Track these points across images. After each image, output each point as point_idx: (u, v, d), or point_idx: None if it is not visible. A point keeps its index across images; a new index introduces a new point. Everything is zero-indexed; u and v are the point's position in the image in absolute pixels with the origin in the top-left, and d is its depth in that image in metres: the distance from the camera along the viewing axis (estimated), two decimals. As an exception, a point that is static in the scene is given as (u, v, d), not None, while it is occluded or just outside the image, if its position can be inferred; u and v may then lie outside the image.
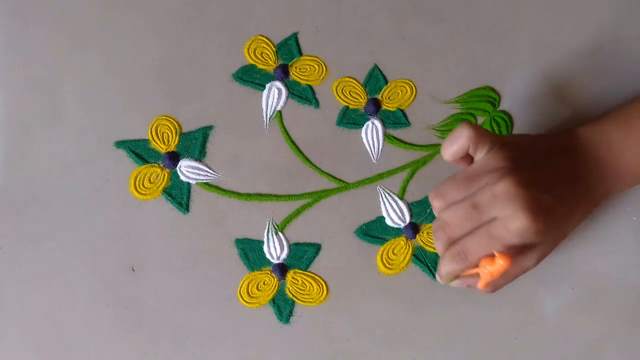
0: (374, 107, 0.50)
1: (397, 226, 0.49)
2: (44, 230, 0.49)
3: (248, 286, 0.48)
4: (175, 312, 0.48)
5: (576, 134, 0.45)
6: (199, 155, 0.50)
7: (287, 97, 0.51)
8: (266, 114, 0.51)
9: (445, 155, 0.43)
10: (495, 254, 0.40)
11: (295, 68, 0.51)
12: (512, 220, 0.39)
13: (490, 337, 0.48)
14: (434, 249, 0.49)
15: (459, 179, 0.42)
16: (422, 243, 0.49)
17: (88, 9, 0.52)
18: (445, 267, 0.43)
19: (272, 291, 0.48)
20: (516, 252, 0.41)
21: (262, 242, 0.49)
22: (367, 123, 0.50)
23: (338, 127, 0.50)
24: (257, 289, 0.48)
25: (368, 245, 0.49)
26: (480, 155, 0.42)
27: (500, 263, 0.40)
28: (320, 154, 0.50)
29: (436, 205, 0.42)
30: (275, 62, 0.51)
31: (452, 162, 0.44)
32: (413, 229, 0.49)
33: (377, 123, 0.50)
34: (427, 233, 0.49)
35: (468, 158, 0.43)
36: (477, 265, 0.41)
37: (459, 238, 0.41)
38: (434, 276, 0.48)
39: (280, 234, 0.49)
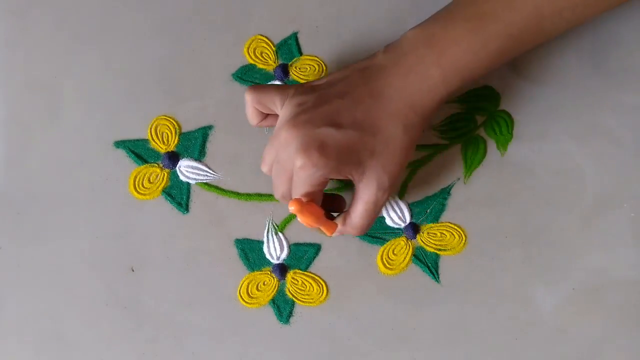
0: (374, 107, 0.50)
1: (397, 226, 0.49)
2: (44, 230, 0.49)
3: (248, 286, 0.48)
4: (175, 312, 0.48)
5: (397, 41, 0.43)
6: (199, 155, 0.50)
7: (287, 97, 0.51)
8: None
9: (251, 123, 0.46)
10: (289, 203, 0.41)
11: (295, 68, 0.51)
12: (295, 164, 0.40)
13: (490, 337, 0.48)
14: (434, 249, 0.49)
15: (269, 141, 0.43)
16: (422, 243, 0.49)
17: (88, 9, 0.52)
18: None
19: (272, 291, 0.48)
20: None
21: (262, 242, 0.49)
22: (367, 123, 0.50)
23: (338, 127, 0.50)
24: (257, 289, 0.48)
25: (368, 245, 0.49)
26: (279, 111, 0.44)
27: (291, 209, 0.41)
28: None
29: (264, 170, 0.44)
30: (275, 62, 0.51)
31: (258, 125, 0.46)
32: (413, 229, 0.49)
33: (377, 123, 0.50)
34: (428, 233, 0.49)
35: (274, 116, 0.46)
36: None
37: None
38: (434, 276, 0.48)
39: (280, 234, 0.49)
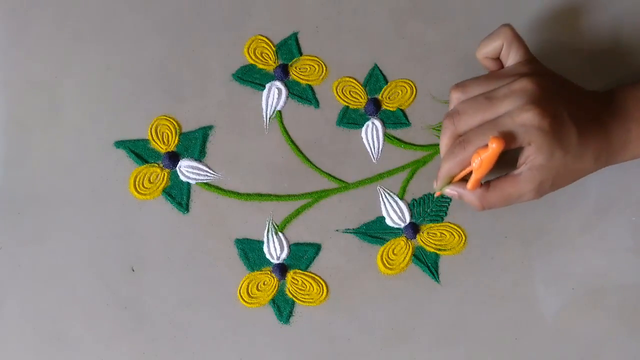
0: (374, 107, 0.50)
1: (397, 226, 0.49)
2: (44, 230, 0.49)
3: (248, 286, 0.48)
4: (175, 312, 0.48)
5: (610, 90, 0.46)
6: (199, 155, 0.50)
7: (287, 97, 0.51)
8: (266, 113, 0.51)
9: (478, 52, 0.45)
10: (490, 137, 0.39)
11: (295, 68, 0.51)
12: (520, 111, 0.40)
13: (490, 337, 0.48)
14: (434, 249, 0.49)
15: (483, 77, 0.43)
16: (422, 243, 0.49)
17: (88, 9, 0.52)
18: (445, 162, 0.43)
19: (272, 291, 0.48)
20: (516, 168, 0.42)
21: (262, 242, 0.49)
22: (367, 123, 0.50)
23: (338, 127, 0.50)
24: (257, 289, 0.48)
25: (368, 245, 0.49)
26: (511, 63, 0.43)
27: (493, 146, 0.39)
28: (320, 154, 0.50)
29: (454, 96, 0.43)
30: (275, 62, 0.51)
31: (483, 61, 0.45)
32: (413, 229, 0.49)
33: (377, 123, 0.50)
34: (427, 233, 0.49)
35: (498, 63, 0.45)
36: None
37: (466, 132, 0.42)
38: (434, 276, 0.48)
39: (280, 234, 0.49)
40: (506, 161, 0.43)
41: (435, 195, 0.45)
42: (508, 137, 0.40)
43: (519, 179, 0.42)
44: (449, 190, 0.44)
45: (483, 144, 0.41)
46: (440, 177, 0.44)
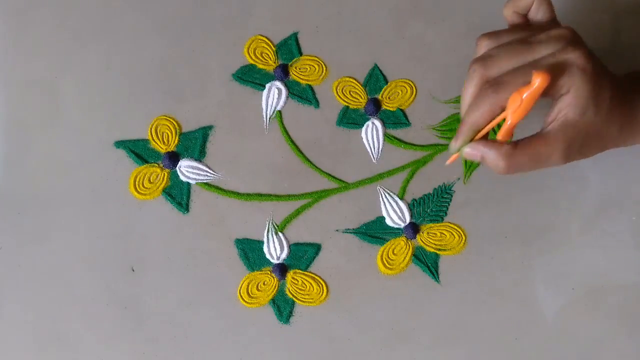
0: (374, 107, 0.50)
1: (397, 226, 0.49)
2: (44, 230, 0.49)
3: (248, 286, 0.48)
4: (175, 312, 0.48)
5: (635, 72, 0.45)
6: (199, 155, 0.50)
7: (287, 97, 0.51)
8: (266, 113, 0.51)
9: (507, 8, 0.42)
10: (533, 73, 0.36)
11: (295, 68, 0.51)
12: (565, 52, 0.38)
13: (490, 337, 0.48)
14: (434, 249, 0.49)
15: (515, 26, 0.41)
16: (422, 243, 0.49)
17: (88, 9, 0.52)
18: (471, 112, 0.39)
19: (272, 291, 0.48)
20: (546, 126, 0.39)
21: (262, 242, 0.49)
22: (367, 123, 0.50)
23: (338, 127, 0.50)
24: (257, 289, 0.48)
25: (368, 245, 0.49)
26: (540, 20, 0.41)
27: (538, 82, 0.36)
28: (320, 154, 0.50)
29: (483, 43, 0.40)
30: (275, 62, 0.51)
31: (509, 17, 0.42)
32: (413, 229, 0.49)
33: (377, 123, 0.50)
34: (428, 233, 0.49)
35: (525, 21, 0.42)
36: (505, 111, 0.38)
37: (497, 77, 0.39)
38: (434, 276, 0.48)
39: (280, 234, 0.49)
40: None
41: (448, 162, 0.41)
42: (553, 74, 0.37)
43: (549, 136, 0.39)
44: (469, 150, 0.40)
45: (522, 85, 0.37)
46: (462, 133, 0.39)
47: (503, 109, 0.38)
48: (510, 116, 0.38)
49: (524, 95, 0.37)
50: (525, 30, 0.40)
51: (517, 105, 0.37)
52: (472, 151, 0.40)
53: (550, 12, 0.42)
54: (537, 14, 0.42)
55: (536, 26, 0.41)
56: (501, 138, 0.39)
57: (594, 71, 0.38)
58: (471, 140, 0.40)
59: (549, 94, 0.39)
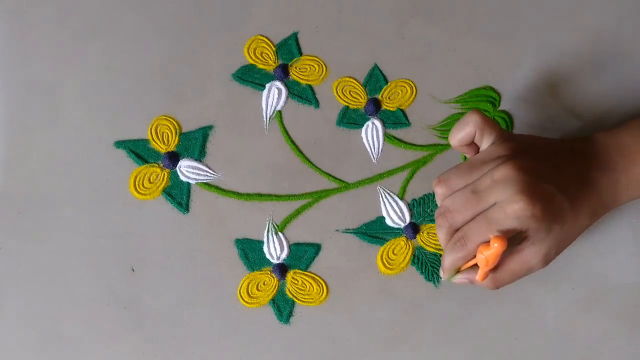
0: (374, 107, 0.50)
1: (397, 226, 0.49)
2: (44, 230, 0.49)
3: (248, 286, 0.48)
4: (175, 312, 0.48)
5: (589, 139, 0.46)
6: (199, 155, 0.50)
7: (287, 97, 0.51)
8: (266, 113, 0.51)
9: (452, 140, 0.45)
10: (491, 237, 0.40)
11: (295, 68, 0.51)
12: (510, 203, 0.39)
13: (490, 337, 0.48)
14: (434, 249, 0.49)
15: (463, 167, 0.43)
16: (422, 243, 0.49)
17: (88, 9, 0.52)
18: (447, 256, 0.43)
19: (272, 291, 0.48)
20: (518, 243, 0.42)
21: (262, 242, 0.49)
22: (367, 123, 0.50)
23: (338, 127, 0.50)
24: (257, 289, 0.48)
25: (368, 245, 0.49)
26: (486, 145, 0.43)
27: (495, 246, 0.39)
28: (320, 154, 0.50)
29: (439, 192, 0.43)
30: (275, 62, 0.51)
31: (458, 148, 0.45)
32: (413, 229, 0.49)
33: (377, 123, 0.50)
34: (427, 233, 0.49)
35: (474, 147, 0.45)
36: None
37: (461, 226, 0.42)
38: (428, 278, 0.48)
39: (280, 234, 0.49)
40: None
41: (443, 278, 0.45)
42: (506, 232, 0.40)
43: (524, 255, 0.42)
44: (459, 279, 0.44)
45: (483, 241, 0.41)
46: (446, 269, 0.44)
47: (474, 254, 0.42)
48: (481, 268, 0.42)
49: (486, 255, 0.40)
50: (473, 170, 0.42)
51: (483, 261, 0.41)
52: (461, 280, 0.44)
53: (495, 134, 0.43)
54: (483, 141, 0.44)
55: (484, 157, 0.42)
56: (480, 280, 0.43)
57: (545, 209, 0.40)
58: (457, 271, 0.44)
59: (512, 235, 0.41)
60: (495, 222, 0.40)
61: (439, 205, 0.43)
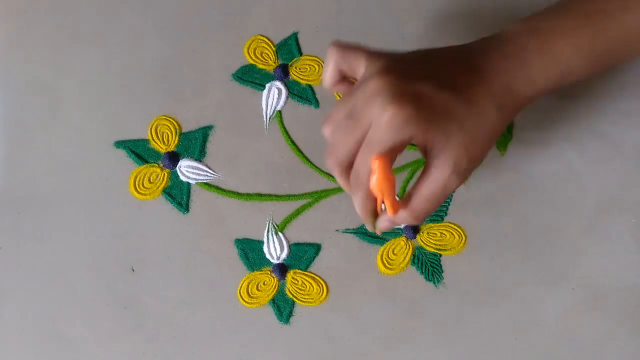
0: (374, 107, 0.50)
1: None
2: (44, 230, 0.49)
3: (248, 286, 0.48)
4: (175, 312, 0.48)
5: (498, 33, 0.41)
6: (199, 155, 0.50)
7: (287, 97, 0.51)
8: (266, 113, 0.51)
9: (325, 84, 0.41)
10: (371, 160, 0.36)
11: (295, 68, 0.51)
12: (381, 116, 0.36)
13: (490, 337, 0.48)
14: (434, 249, 0.49)
15: (342, 99, 0.39)
16: (422, 243, 0.49)
17: (88, 9, 0.52)
18: (354, 202, 0.39)
19: (272, 291, 0.48)
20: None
21: (262, 242, 0.49)
22: (367, 123, 0.50)
23: (338, 127, 0.50)
24: (257, 289, 0.48)
25: (368, 245, 0.49)
26: (360, 74, 0.39)
27: (375, 168, 0.35)
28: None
29: (326, 132, 0.39)
30: (275, 62, 0.51)
31: (337, 89, 0.41)
32: (413, 229, 0.49)
33: (377, 123, 0.50)
34: (427, 233, 0.49)
35: (349, 84, 0.41)
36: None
37: (350, 159, 0.38)
38: (428, 278, 0.48)
39: (280, 234, 0.49)
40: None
41: (378, 231, 0.42)
42: (390, 149, 0.36)
43: (431, 173, 0.38)
44: (381, 226, 0.41)
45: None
46: (364, 219, 0.40)
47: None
48: (384, 199, 0.38)
49: (373, 184, 0.36)
50: (350, 98, 0.38)
51: (377, 191, 0.37)
52: (384, 225, 0.41)
53: (361, 57, 0.39)
54: (354, 71, 0.39)
55: (359, 84, 0.38)
56: (392, 214, 0.39)
57: (420, 108, 0.36)
58: (376, 216, 0.40)
59: (402, 151, 0.37)
60: (374, 142, 0.36)
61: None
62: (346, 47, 0.39)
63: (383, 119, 0.36)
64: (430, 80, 0.37)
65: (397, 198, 0.40)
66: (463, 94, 0.38)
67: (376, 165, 0.35)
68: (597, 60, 0.40)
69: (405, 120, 0.36)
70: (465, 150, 0.37)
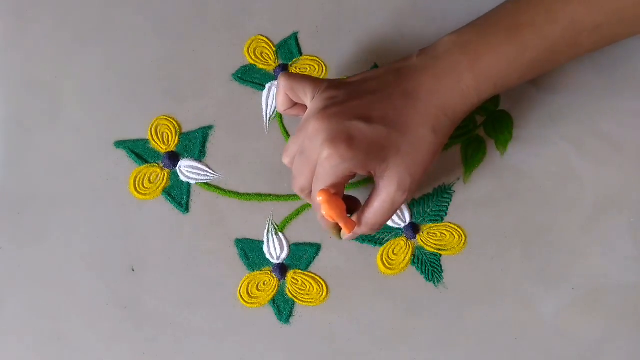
0: (374, 107, 0.50)
1: (397, 226, 0.49)
2: (44, 230, 0.49)
3: (248, 286, 0.48)
4: (175, 312, 0.48)
5: (431, 47, 0.43)
6: (199, 155, 0.50)
7: (287, 97, 0.51)
8: (266, 113, 0.51)
9: (278, 109, 0.46)
10: (317, 194, 0.40)
11: (295, 68, 0.51)
12: (322, 157, 0.40)
13: (490, 337, 0.48)
14: (434, 249, 0.49)
15: (296, 132, 0.43)
16: (422, 243, 0.49)
17: (88, 9, 0.52)
18: (320, 221, 0.44)
19: (272, 291, 0.48)
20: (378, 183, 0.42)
21: (262, 242, 0.49)
22: (367, 123, 0.50)
23: (338, 127, 0.50)
24: (257, 289, 0.48)
25: (368, 245, 0.49)
26: (309, 101, 0.43)
27: (320, 199, 0.40)
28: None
29: (285, 162, 0.44)
30: (275, 62, 0.51)
31: (289, 113, 0.46)
32: (413, 229, 0.49)
33: (377, 123, 0.50)
34: (428, 233, 0.49)
35: (303, 108, 0.45)
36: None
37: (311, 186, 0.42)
38: (427, 278, 0.48)
39: (280, 234, 0.49)
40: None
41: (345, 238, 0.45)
42: (335, 185, 0.40)
43: (379, 191, 0.41)
44: (345, 237, 0.45)
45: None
46: (328, 233, 0.45)
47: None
48: (336, 220, 0.42)
49: (323, 213, 0.41)
50: (300, 133, 0.42)
51: (328, 217, 0.41)
52: (348, 237, 0.44)
53: (309, 91, 0.43)
54: (306, 99, 0.43)
55: (305, 119, 0.42)
56: (348, 232, 0.43)
57: (352, 145, 0.39)
58: (339, 228, 0.44)
59: (346, 183, 0.42)
60: (319, 178, 0.41)
61: None
62: (294, 79, 0.43)
63: (324, 160, 0.40)
64: (364, 117, 0.40)
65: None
66: (397, 123, 0.41)
67: (320, 198, 0.40)
68: (528, 70, 0.43)
69: (341, 158, 0.39)
70: (407, 170, 0.41)
